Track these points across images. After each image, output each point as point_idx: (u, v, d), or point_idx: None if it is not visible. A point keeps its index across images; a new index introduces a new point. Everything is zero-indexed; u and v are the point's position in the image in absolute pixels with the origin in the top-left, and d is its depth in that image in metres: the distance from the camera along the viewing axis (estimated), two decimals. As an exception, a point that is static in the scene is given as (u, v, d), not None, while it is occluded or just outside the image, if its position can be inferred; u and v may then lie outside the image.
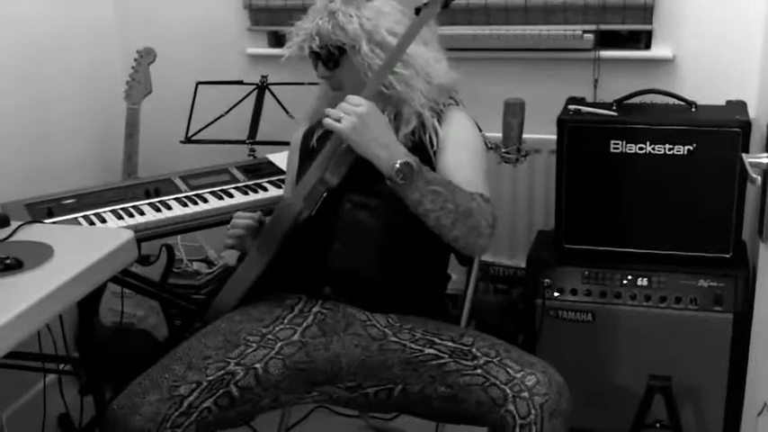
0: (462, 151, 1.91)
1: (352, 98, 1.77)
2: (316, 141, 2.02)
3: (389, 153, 1.74)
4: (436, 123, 1.92)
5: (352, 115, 1.74)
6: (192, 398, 1.69)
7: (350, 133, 1.74)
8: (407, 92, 1.89)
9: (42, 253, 1.76)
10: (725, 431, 2.39)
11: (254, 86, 2.76)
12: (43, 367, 2.36)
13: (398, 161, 1.72)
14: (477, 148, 1.95)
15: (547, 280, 2.46)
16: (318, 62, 1.92)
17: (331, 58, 1.89)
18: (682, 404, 2.32)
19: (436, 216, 1.75)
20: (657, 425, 2.31)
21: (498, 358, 1.73)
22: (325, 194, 1.84)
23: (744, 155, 1.57)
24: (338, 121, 1.75)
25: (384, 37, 1.88)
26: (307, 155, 2.03)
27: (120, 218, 2.22)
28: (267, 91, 2.75)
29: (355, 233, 1.90)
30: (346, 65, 1.89)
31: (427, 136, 1.91)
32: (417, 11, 1.81)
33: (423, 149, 1.89)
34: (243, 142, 2.73)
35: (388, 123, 1.79)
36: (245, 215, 1.93)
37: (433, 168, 1.89)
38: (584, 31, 2.65)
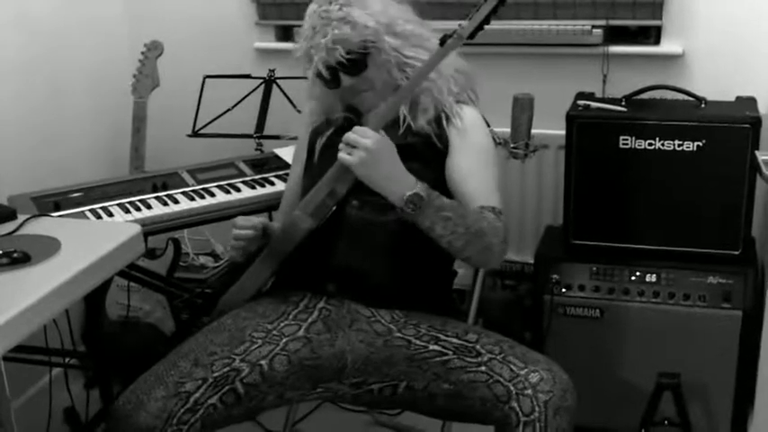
0: (476, 157, 1.90)
1: (359, 129, 1.73)
2: (320, 151, 2.00)
3: (399, 185, 1.72)
4: (457, 110, 1.91)
5: (361, 149, 1.70)
6: (197, 394, 1.68)
7: (359, 168, 1.71)
8: (435, 79, 1.88)
9: (50, 247, 1.75)
10: (733, 428, 2.39)
11: (262, 80, 2.75)
12: (49, 361, 2.36)
13: (408, 192, 1.70)
14: (490, 155, 1.94)
15: (555, 276, 2.45)
16: (340, 73, 1.87)
17: (357, 63, 1.85)
18: (690, 401, 2.31)
19: (448, 240, 1.76)
20: (666, 422, 2.30)
21: (502, 355, 1.73)
22: (334, 208, 1.84)
23: (757, 152, 1.56)
24: (349, 155, 1.71)
25: (403, 26, 1.88)
26: (312, 156, 2.03)
27: (128, 211, 2.21)
28: (275, 85, 2.74)
29: (360, 231, 1.89)
30: (371, 66, 1.86)
31: (444, 122, 1.90)
32: (442, 42, 1.79)
33: (440, 139, 1.90)
34: (250, 136, 2.73)
35: (396, 153, 1.75)
36: (247, 225, 1.88)
37: (443, 163, 1.89)
38: (594, 27, 2.63)
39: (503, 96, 2.30)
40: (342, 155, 1.72)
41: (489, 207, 1.83)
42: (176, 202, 2.28)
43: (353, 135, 1.71)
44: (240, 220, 1.91)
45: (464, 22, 1.77)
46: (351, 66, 1.85)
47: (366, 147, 1.69)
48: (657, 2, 2.57)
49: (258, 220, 1.91)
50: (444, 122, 1.91)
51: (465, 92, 1.96)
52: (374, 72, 1.87)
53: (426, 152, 1.90)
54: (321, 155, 1.99)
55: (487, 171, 1.91)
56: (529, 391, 1.64)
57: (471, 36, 1.77)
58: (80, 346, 2.62)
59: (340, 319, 1.87)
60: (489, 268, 1.91)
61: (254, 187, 2.38)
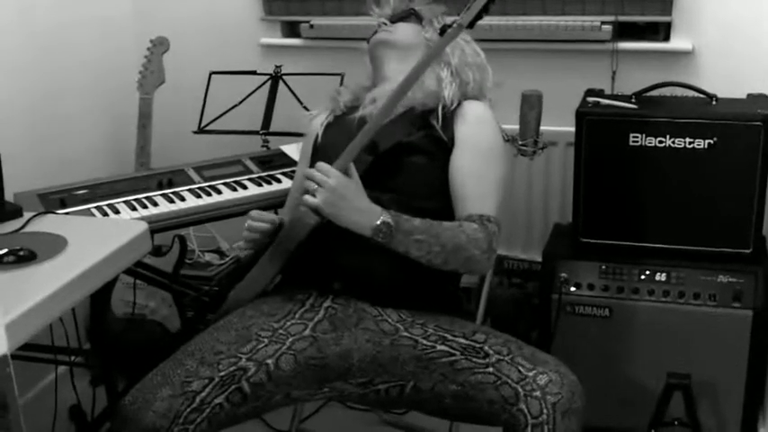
0: (479, 157, 1.90)
1: (322, 168, 1.74)
2: (323, 147, 2.01)
3: (366, 217, 1.74)
4: (465, 104, 1.94)
5: (325, 189, 1.71)
6: (204, 393, 1.67)
7: (325, 208, 1.72)
8: (439, 70, 1.95)
9: (56, 244, 1.74)
10: (743, 429, 2.37)
11: (268, 77, 2.73)
12: (55, 359, 2.35)
13: (376, 222, 1.73)
14: (495, 153, 1.94)
15: (563, 274, 2.43)
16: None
17: (417, 15, 2.07)
18: (700, 401, 2.29)
19: (427, 260, 1.79)
20: (675, 423, 2.28)
21: (510, 356, 1.71)
22: None
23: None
24: (313, 196, 1.73)
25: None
26: (317, 153, 2.03)
27: (134, 209, 2.20)
28: (281, 81, 2.73)
29: None
30: (410, 27, 2.06)
31: (451, 117, 1.92)
32: (442, 32, 1.80)
33: (446, 132, 1.91)
34: (256, 133, 2.71)
35: (360, 186, 1.77)
36: (263, 218, 1.89)
37: (448, 157, 1.89)
38: (603, 23, 2.63)
39: (511, 93, 2.28)
40: (306, 197, 1.73)
41: (476, 215, 1.84)
42: (183, 199, 2.27)
43: (317, 174, 1.73)
44: (255, 213, 1.91)
45: (463, 13, 1.78)
46: (400, 11, 2.09)
47: (329, 186, 1.72)
48: (667, -2, 2.56)
49: (275, 216, 1.91)
50: (450, 117, 1.91)
51: (478, 86, 1.96)
52: (406, 32, 2.06)
53: (431, 147, 1.91)
54: (325, 151, 1.98)
55: (488, 172, 1.90)
56: (537, 393, 1.63)
57: (470, 26, 1.79)
58: (86, 343, 2.61)
59: (346, 318, 1.85)
60: (478, 274, 1.94)
61: (260, 185, 2.37)
